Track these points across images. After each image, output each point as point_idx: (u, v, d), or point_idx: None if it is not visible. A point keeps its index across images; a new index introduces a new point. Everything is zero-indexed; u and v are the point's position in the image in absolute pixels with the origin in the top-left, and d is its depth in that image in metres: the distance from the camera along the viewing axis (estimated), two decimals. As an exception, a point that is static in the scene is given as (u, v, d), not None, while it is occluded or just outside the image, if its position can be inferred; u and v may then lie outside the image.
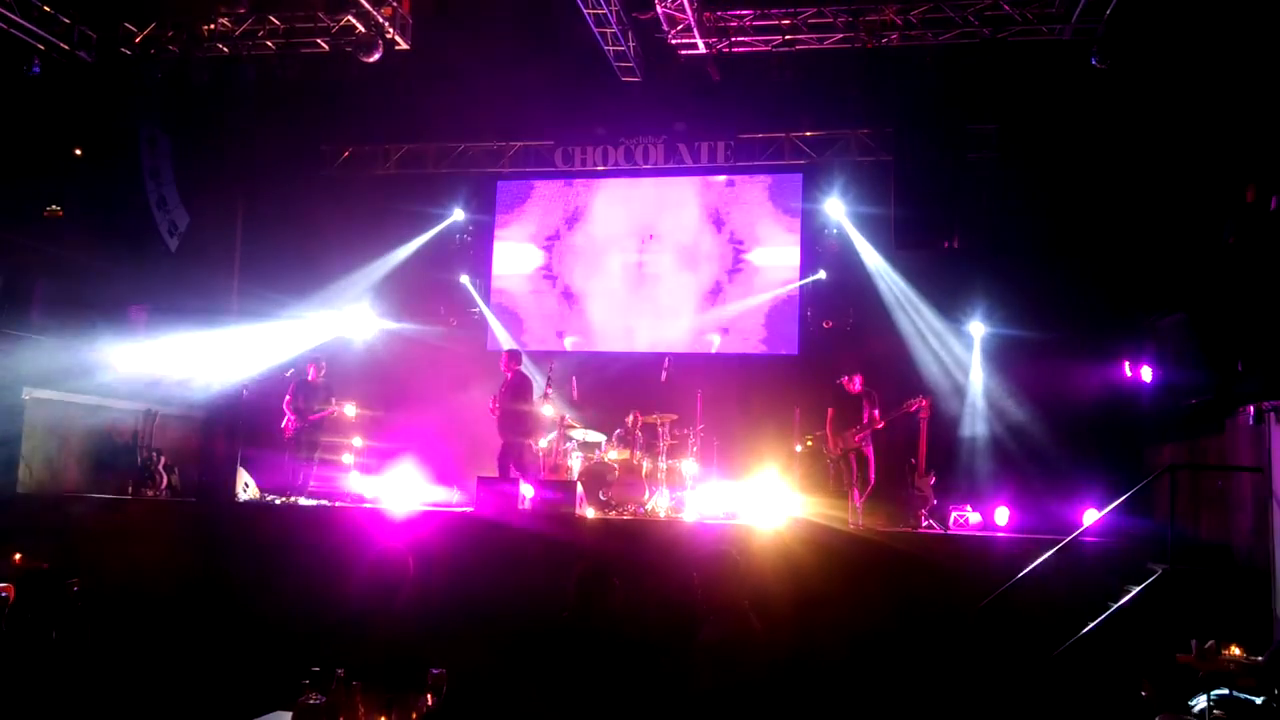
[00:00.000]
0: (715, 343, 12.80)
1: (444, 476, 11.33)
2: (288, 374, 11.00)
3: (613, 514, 9.76)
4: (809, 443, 10.71)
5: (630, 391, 11.37)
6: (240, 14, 11.21)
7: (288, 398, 10.79)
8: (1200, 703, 5.97)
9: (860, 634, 7.36)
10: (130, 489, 10.50)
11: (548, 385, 10.71)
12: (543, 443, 10.75)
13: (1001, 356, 11.44)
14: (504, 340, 13.16)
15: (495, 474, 10.03)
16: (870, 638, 7.35)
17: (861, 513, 9.30)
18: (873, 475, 9.76)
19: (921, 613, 7.48)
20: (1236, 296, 7.98)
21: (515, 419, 10.32)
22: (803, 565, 7.83)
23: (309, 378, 10.85)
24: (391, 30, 10.89)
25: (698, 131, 13.00)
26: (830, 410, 10.04)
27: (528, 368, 11.03)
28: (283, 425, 10.75)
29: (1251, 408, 7.63)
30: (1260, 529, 7.47)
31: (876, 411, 9.83)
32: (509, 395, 10.34)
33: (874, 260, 12.20)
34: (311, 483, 10.71)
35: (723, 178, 13.14)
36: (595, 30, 11.03)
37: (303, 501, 10.21)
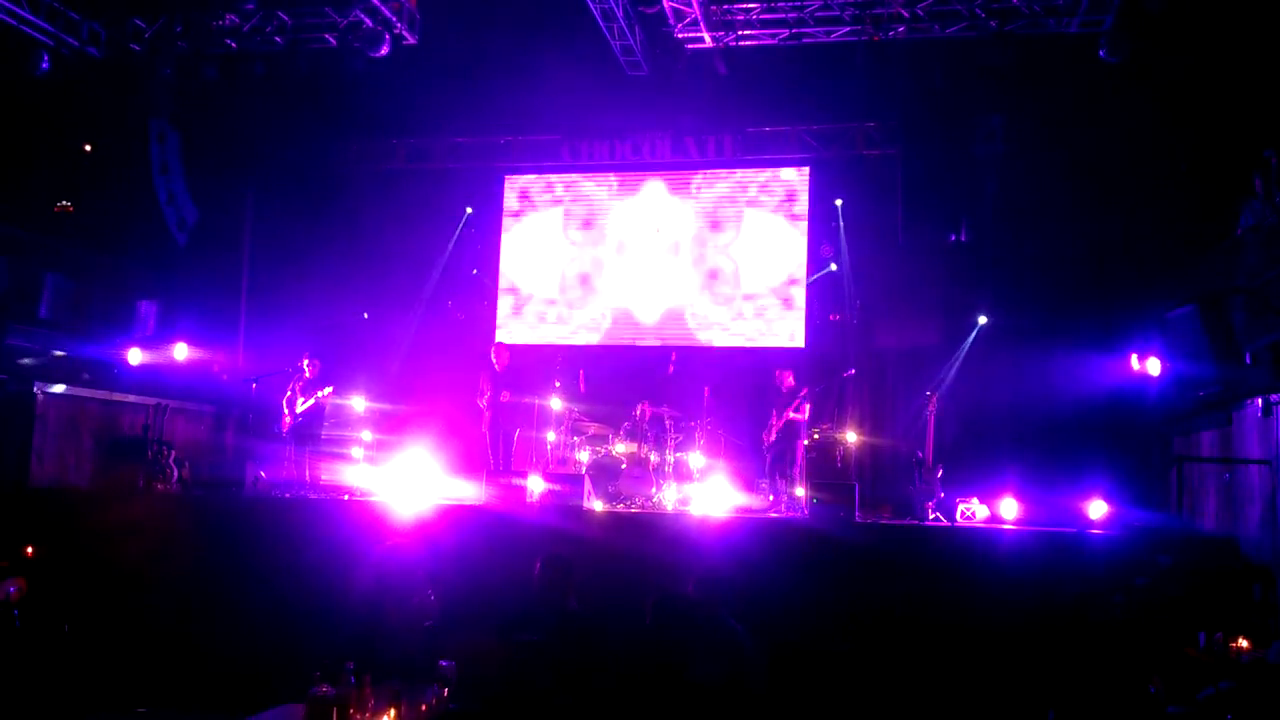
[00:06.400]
0: (722, 336, 12.81)
1: (451, 470, 11.37)
2: (291, 369, 11.04)
3: (620, 507, 9.80)
4: (816, 436, 10.75)
5: (637, 385, 11.39)
6: (249, 10, 11.23)
7: (288, 394, 10.86)
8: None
9: (860, 628, 7.38)
10: (141, 482, 10.55)
11: (555, 379, 10.77)
12: (550, 436, 10.82)
13: (1009, 349, 11.40)
14: (510, 334, 13.19)
15: (496, 468, 10.15)
16: (871, 631, 7.36)
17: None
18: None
19: (924, 608, 7.48)
20: (1244, 288, 7.96)
21: (507, 411, 10.92)
22: (806, 557, 7.86)
23: (305, 374, 10.92)
24: (399, 25, 10.93)
25: (704, 125, 12.98)
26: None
27: (531, 363, 11.11)
28: (283, 422, 10.82)
29: (1259, 400, 7.63)
30: (1268, 521, 7.47)
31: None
32: (501, 388, 10.69)
33: (880, 253, 12.18)
34: (308, 473, 10.77)
35: (729, 171, 13.13)
36: (602, 24, 11.03)
37: (312, 496, 10.27)
